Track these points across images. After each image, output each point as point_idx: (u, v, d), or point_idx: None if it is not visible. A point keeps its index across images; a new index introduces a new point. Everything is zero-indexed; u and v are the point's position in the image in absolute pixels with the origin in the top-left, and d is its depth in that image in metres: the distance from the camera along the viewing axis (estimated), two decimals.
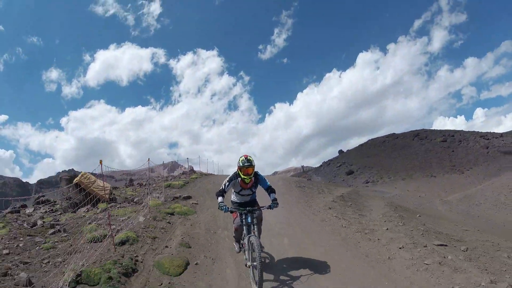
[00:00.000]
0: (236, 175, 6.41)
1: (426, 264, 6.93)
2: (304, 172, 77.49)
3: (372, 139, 69.81)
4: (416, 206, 26.05)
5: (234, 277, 6.77)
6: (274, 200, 6.45)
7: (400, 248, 7.93)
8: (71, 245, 8.01)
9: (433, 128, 66.81)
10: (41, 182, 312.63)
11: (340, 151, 72.72)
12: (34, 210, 13.61)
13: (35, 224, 10.69)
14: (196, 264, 7.41)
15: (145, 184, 19.72)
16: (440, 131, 62.99)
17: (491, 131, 64.98)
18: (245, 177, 6.25)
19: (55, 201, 15.24)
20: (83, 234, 8.67)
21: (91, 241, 8.08)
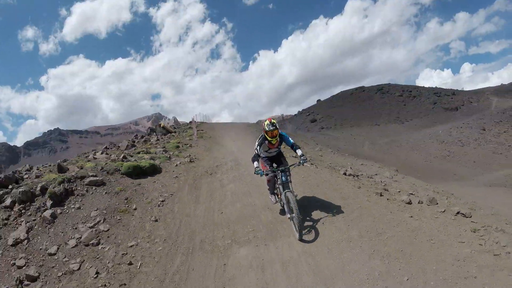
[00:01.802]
0: (263, 138, 6.99)
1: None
2: (282, 120, 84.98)
3: (342, 91, 77.37)
4: (347, 146, 34.18)
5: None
6: (302, 156, 7.00)
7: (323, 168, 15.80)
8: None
9: (397, 83, 74.34)
10: (28, 144, 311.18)
11: (318, 101, 80.00)
12: (102, 153, 16.05)
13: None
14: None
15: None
16: (402, 86, 70.65)
17: (454, 88, 73.12)
18: (271, 139, 6.87)
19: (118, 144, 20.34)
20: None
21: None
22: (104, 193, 9.17)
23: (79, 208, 8.34)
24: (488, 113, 50.31)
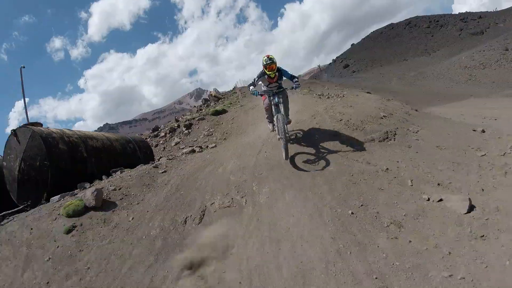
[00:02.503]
0: (263, 73, 7.53)
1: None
2: (320, 71, 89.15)
3: (373, 31, 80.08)
4: (376, 84, 39.47)
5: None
6: (296, 81, 7.63)
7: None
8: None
9: (425, 15, 75.81)
10: None
11: (352, 45, 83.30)
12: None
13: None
14: None
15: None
16: (430, 16, 72.42)
17: (484, 11, 73.72)
18: (270, 72, 7.42)
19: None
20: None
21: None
22: (206, 122, 17.24)
23: (198, 128, 16.71)
24: None
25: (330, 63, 77.12)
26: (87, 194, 6.63)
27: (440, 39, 59.36)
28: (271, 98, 7.61)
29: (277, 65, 7.50)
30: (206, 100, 37.04)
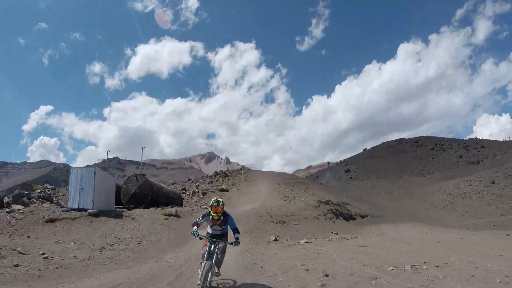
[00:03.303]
0: (208, 213, 7.60)
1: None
2: (328, 168, 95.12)
3: (384, 142, 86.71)
4: (364, 196, 44.04)
5: None
6: (237, 239, 7.41)
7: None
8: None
9: (434, 136, 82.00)
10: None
11: (364, 149, 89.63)
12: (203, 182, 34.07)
13: None
14: None
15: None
16: (437, 139, 78.44)
17: (486, 139, 79.33)
18: (214, 214, 7.46)
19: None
20: None
21: None
22: (214, 193, 22.67)
23: (209, 196, 23.58)
24: (507, 166, 56.78)
25: (337, 163, 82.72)
26: (171, 209, 18.69)
27: (439, 162, 64.51)
28: (208, 245, 7.30)
29: (225, 210, 7.64)
30: (217, 173, 44.64)
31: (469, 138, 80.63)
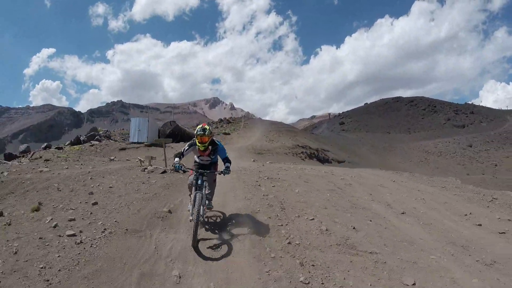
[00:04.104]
0: (194, 142, 6.52)
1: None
2: (329, 119, 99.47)
3: (382, 99, 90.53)
4: (349, 146, 49.35)
5: None
6: (227, 167, 6.51)
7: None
8: None
9: (429, 97, 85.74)
10: (92, 111, 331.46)
11: (365, 104, 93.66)
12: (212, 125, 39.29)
13: None
14: None
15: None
16: (431, 100, 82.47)
17: (481, 105, 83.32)
18: (199, 145, 6.38)
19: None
20: None
21: None
22: (219, 136, 29.26)
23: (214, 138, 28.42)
24: (489, 133, 61.54)
25: (336, 115, 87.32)
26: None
27: (427, 123, 69.13)
28: (196, 177, 6.32)
29: (214, 139, 6.66)
30: (221, 120, 50.77)
31: (465, 103, 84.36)
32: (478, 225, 6.64)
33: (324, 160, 29.69)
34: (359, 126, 68.40)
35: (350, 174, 12.76)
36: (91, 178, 9.38)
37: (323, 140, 46.42)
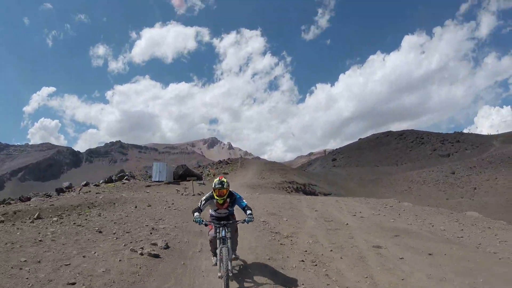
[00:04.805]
0: (211, 196, 6.50)
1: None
2: (324, 155, 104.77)
3: (373, 134, 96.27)
4: (338, 181, 54.22)
5: None
6: (250, 214, 6.43)
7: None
8: None
9: (418, 130, 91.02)
10: (90, 151, 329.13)
11: (359, 139, 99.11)
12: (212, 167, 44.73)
13: None
14: None
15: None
16: (420, 132, 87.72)
17: (472, 130, 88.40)
18: (218, 198, 6.37)
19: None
20: None
21: None
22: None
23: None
24: (472, 159, 65.81)
25: (330, 152, 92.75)
26: (199, 180, 31.78)
27: (414, 154, 74.27)
28: (217, 230, 6.23)
29: (231, 190, 6.53)
30: (220, 162, 56.74)
31: (454, 132, 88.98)
32: (353, 215, 11.92)
33: (310, 193, 34.47)
34: (349, 162, 73.50)
35: (309, 198, 18.27)
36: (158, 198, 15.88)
37: (313, 176, 51.39)
